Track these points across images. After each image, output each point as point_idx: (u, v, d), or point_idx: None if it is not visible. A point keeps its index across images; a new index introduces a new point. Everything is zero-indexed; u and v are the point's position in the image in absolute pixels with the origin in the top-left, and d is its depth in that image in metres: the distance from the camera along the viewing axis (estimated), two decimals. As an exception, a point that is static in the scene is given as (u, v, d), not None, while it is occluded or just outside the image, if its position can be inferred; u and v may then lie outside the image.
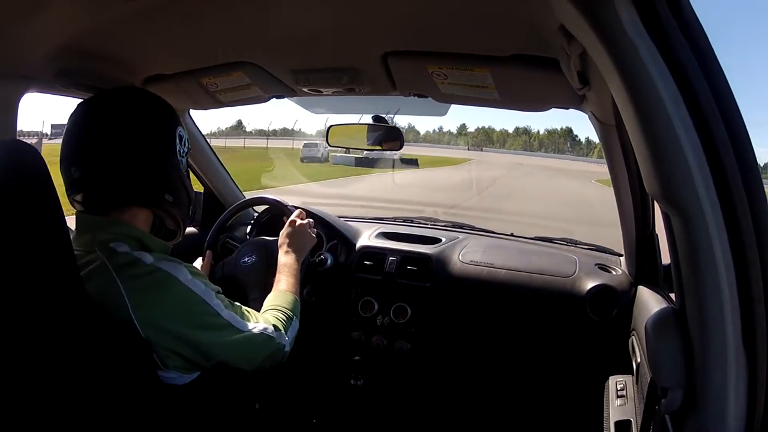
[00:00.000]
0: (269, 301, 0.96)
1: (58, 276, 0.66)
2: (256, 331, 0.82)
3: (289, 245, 1.12)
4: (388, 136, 1.47)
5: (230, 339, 0.78)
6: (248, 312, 0.85)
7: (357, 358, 1.48)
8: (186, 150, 0.85)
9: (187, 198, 0.85)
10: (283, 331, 0.89)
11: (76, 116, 0.77)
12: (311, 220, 1.22)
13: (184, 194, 0.84)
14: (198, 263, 1.24)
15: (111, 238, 0.75)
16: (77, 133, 0.77)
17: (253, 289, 1.25)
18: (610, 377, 1.09)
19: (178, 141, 0.81)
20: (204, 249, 1.43)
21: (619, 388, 1.05)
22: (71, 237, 0.70)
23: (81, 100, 0.80)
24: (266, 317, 0.89)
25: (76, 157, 0.76)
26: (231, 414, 0.89)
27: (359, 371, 1.50)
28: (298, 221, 1.17)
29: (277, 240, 1.16)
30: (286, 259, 1.08)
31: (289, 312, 0.94)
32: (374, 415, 1.57)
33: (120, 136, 0.75)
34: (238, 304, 0.85)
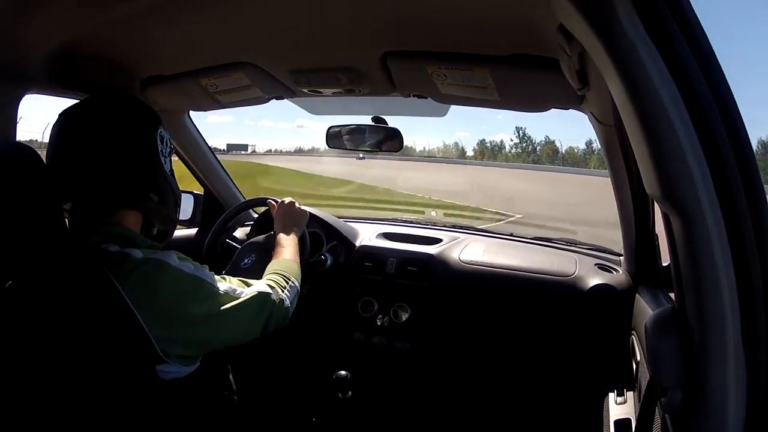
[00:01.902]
0: (267, 269, 0.99)
1: (60, 277, 0.66)
2: (252, 292, 0.84)
3: (284, 223, 1.18)
4: (387, 137, 1.47)
5: (229, 306, 0.79)
6: (242, 280, 0.87)
7: (344, 373, 1.44)
8: (168, 150, 0.86)
9: (173, 197, 0.87)
10: (279, 290, 0.91)
11: (58, 125, 0.78)
12: (296, 201, 1.27)
13: (170, 193, 0.86)
14: None
15: (101, 240, 0.75)
16: (60, 142, 0.77)
17: None
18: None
19: (159, 141, 0.83)
20: (204, 250, 1.43)
21: (619, 387, 1.05)
22: None
23: (62, 110, 0.80)
24: (262, 281, 0.91)
25: (62, 163, 0.76)
26: (226, 409, 0.89)
27: (347, 386, 1.46)
28: (287, 200, 1.25)
29: (271, 234, 1.17)
30: (282, 233, 1.14)
31: (285, 273, 0.97)
32: (372, 416, 1.57)
33: (102, 141, 0.76)
34: (230, 276, 0.86)
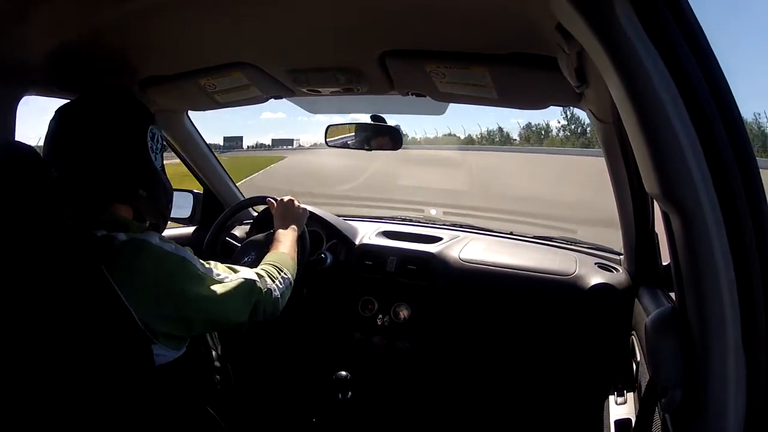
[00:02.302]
0: (262, 261, 1.00)
1: (59, 272, 0.67)
2: (238, 278, 0.85)
3: (284, 220, 1.19)
4: (385, 135, 1.46)
5: (213, 288, 0.80)
6: (229, 267, 0.87)
7: (344, 373, 1.44)
8: (159, 146, 0.87)
9: (163, 192, 0.87)
10: (268, 279, 0.91)
11: (54, 121, 0.80)
12: (295, 199, 1.28)
13: (160, 188, 0.86)
14: None
15: (92, 226, 0.77)
16: (55, 137, 0.79)
17: None
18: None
19: (150, 138, 0.84)
20: (203, 249, 1.43)
21: (619, 387, 1.05)
22: None
23: (58, 107, 0.82)
24: (252, 269, 0.91)
25: (55, 159, 0.78)
26: (223, 406, 0.90)
27: (347, 387, 1.46)
28: (286, 198, 1.26)
29: (271, 232, 1.18)
30: (282, 229, 1.15)
31: (278, 265, 0.97)
32: (372, 417, 1.57)
33: (92, 137, 0.78)
34: (215, 262, 0.86)
